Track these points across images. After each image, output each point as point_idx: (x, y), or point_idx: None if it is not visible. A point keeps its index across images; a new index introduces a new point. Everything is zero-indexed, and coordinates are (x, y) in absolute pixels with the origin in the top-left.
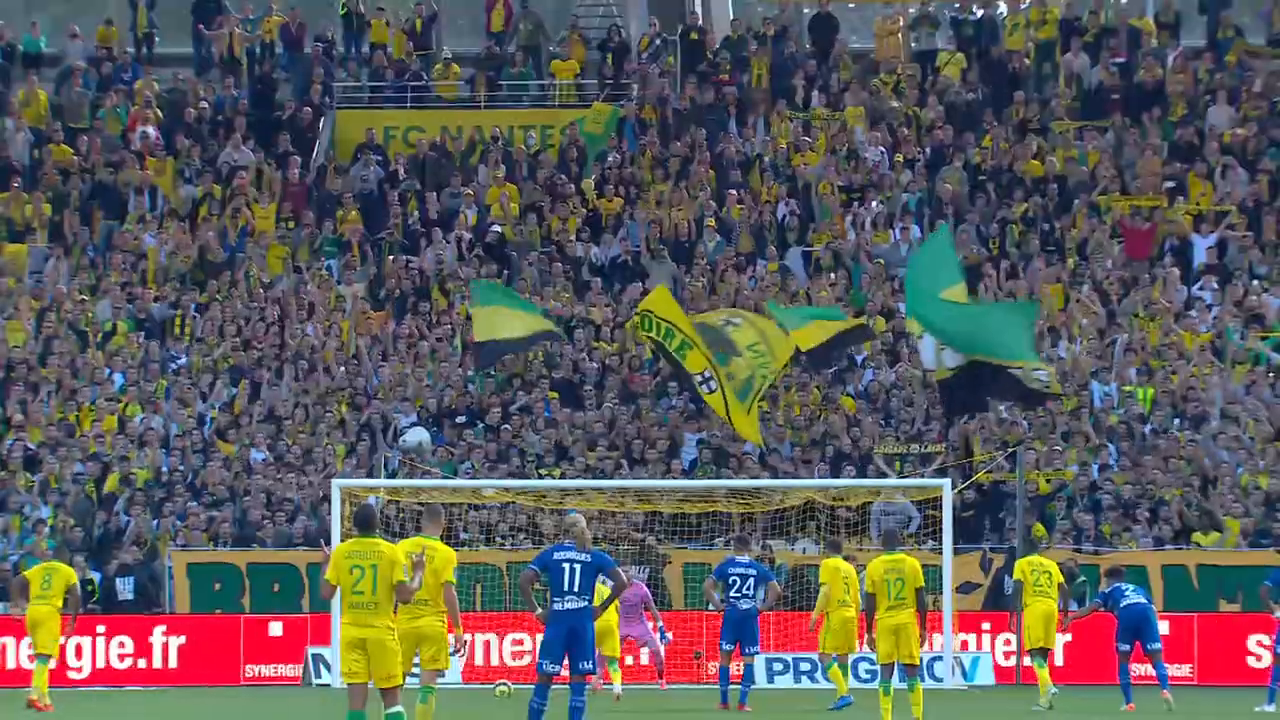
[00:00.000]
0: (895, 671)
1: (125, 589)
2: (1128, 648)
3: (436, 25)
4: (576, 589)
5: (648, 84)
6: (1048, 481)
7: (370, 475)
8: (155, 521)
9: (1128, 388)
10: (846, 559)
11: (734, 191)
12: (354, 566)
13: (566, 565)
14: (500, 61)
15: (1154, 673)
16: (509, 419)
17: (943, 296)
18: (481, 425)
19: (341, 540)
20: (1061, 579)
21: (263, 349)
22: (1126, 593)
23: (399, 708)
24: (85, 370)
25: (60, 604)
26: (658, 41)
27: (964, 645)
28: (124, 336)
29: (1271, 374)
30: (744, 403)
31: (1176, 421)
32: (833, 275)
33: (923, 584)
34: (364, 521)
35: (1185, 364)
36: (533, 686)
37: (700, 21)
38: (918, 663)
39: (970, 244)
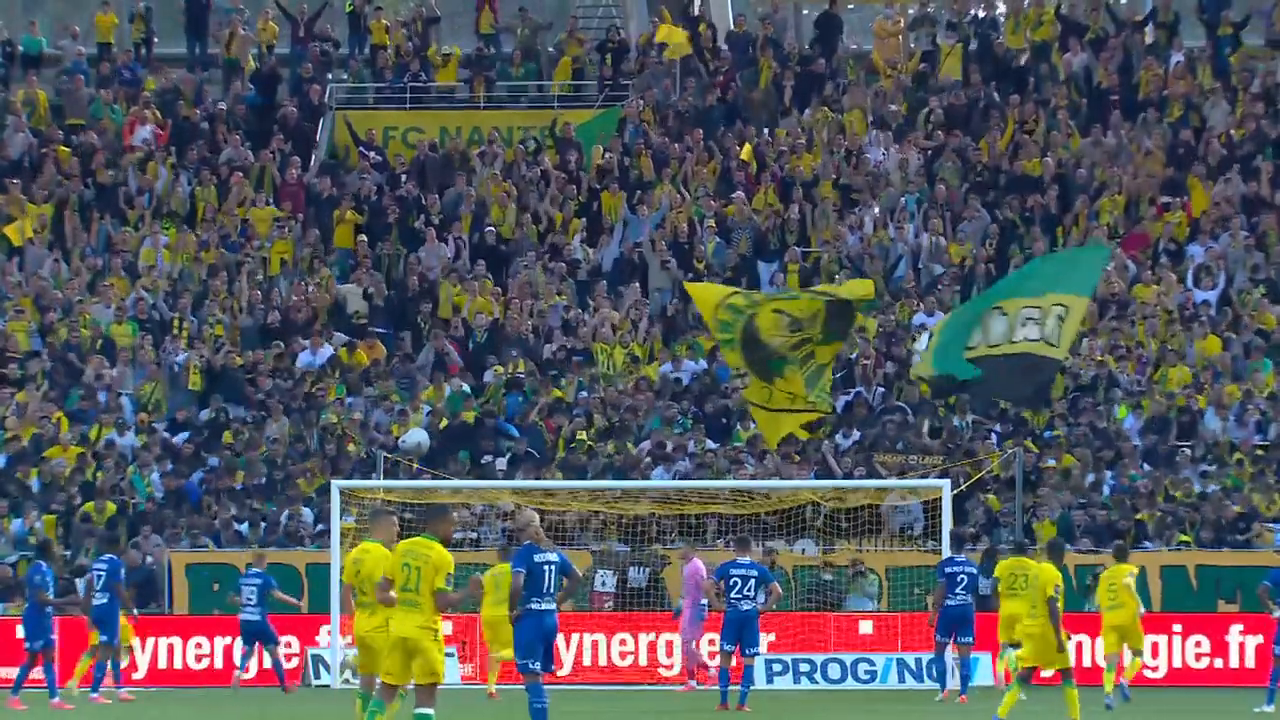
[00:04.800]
0: (1027, 676)
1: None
2: (945, 640)
3: (436, 26)
4: (552, 590)
5: (647, 84)
6: (1047, 481)
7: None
8: (153, 521)
9: (1126, 389)
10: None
11: (734, 192)
12: (404, 564)
13: (545, 567)
14: (492, 62)
15: (962, 670)
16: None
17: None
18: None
19: (341, 540)
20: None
21: (262, 348)
22: (957, 591)
23: (430, 710)
24: (84, 370)
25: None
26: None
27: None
28: (124, 337)
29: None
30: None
31: (1174, 423)
32: (836, 276)
33: (1051, 594)
34: (434, 520)
35: (1183, 364)
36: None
37: (700, 21)
38: (1067, 665)
39: (969, 244)
